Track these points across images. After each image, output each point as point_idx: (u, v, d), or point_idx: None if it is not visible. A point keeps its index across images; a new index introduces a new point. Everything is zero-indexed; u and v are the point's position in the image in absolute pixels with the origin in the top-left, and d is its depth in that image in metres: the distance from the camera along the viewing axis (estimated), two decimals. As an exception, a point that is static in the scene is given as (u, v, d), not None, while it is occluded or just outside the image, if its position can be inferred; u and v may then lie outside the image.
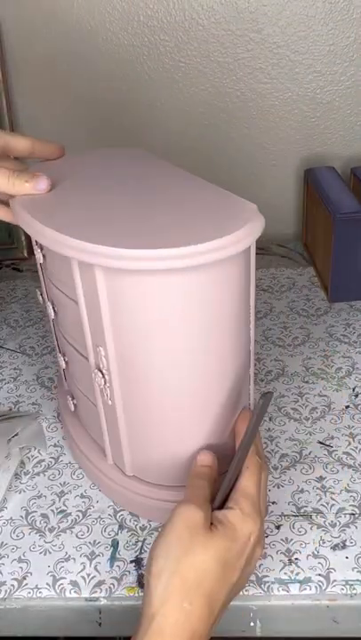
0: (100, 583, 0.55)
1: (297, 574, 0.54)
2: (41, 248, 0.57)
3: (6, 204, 0.58)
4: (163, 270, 0.44)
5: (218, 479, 0.51)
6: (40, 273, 0.61)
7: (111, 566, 0.56)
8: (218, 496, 0.49)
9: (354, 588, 0.53)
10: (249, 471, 0.49)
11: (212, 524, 0.46)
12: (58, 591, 0.54)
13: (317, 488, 0.62)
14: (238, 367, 0.53)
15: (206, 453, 0.52)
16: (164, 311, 0.47)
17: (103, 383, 0.53)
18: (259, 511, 0.48)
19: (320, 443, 0.67)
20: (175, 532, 0.45)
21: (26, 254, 1.09)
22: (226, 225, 0.45)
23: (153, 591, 0.43)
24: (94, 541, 0.58)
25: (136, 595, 0.53)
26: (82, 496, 0.63)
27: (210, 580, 0.43)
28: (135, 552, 0.57)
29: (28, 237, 0.97)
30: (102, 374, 0.53)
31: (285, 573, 0.54)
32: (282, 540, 0.57)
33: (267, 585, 0.53)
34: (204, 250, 0.44)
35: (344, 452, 0.66)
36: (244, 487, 0.48)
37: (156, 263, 0.44)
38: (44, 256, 0.56)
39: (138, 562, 0.56)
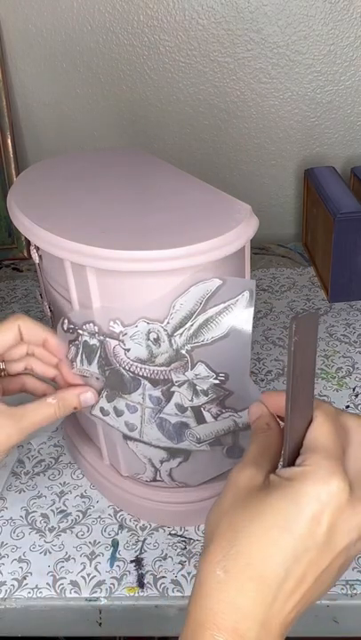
0: (100, 583, 0.55)
1: (297, 574, 0.54)
2: (37, 248, 0.57)
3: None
4: (155, 272, 0.44)
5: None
6: (38, 273, 0.61)
7: (111, 566, 0.56)
8: (284, 451, 0.39)
9: (354, 588, 0.53)
10: (317, 420, 0.38)
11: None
12: (58, 591, 0.54)
13: (317, 488, 0.62)
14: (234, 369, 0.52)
15: (254, 406, 0.43)
16: (157, 312, 0.47)
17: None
18: (336, 467, 0.35)
19: (320, 443, 0.67)
20: (225, 496, 0.37)
21: (26, 254, 1.09)
22: (219, 226, 0.45)
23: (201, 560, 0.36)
24: (94, 541, 0.58)
25: (136, 594, 0.53)
26: (82, 496, 0.63)
27: (257, 548, 0.34)
28: (135, 552, 0.57)
29: (28, 237, 0.97)
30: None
31: (286, 573, 0.54)
32: (282, 539, 0.57)
33: (267, 585, 0.53)
34: (197, 251, 0.44)
35: (344, 452, 0.66)
36: (311, 439, 0.37)
37: (147, 265, 0.44)
38: (40, 256, 0.56)
39: (138, 562, 0.56)
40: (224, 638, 0.32)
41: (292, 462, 0.38)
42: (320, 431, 0.38)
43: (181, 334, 0.47)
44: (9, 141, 1.03)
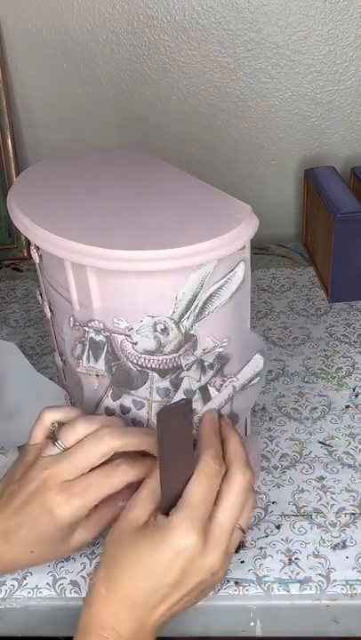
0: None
1: (297, 574, 0.54)
2: (37, 248, 0.57)
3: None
4: (155, 271, 0.44)
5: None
6: (38, 273, 0.61)
7: (111, 566, 0.56)
8: (163, 499, 0.47)
9: (354, 588, 0.53)
10: (194, 479, 0.46)
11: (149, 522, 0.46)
12: (58, 591, 0.54)
13: (318, 488, 0.62)
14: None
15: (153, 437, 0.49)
16: (160, 308, 0.47)
17: (97, 384, 0.53)
18: (196, 525, 0.44)
19: (320, 442, 0.67)
20: (117, 528, 0.47)
21: (26, 254, 1.09)
22: (219, 226, 0.46)
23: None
24: (94, 541, 0.58)
25: (136, 595, 0.53)
26: (82, 496, 0.63)
27: (128, 577, 0.44)
28: (135, 552, 0.57)
29: (28, 237, 0.97)
30: (97, 375, 0.53)
31: (286, 573, 0.54)
32: (282, 539, 0.57)
33: (267, 585, 0.53)
34: (197, 251, 0.44)
35: (344, 452, 0.66)
36: (185, 495, 0.46)
37: (147, 264, 0.44)
38: (40, 256, 0.56)
39: (138, 562, 0.56)
40: (107, 634, 0.44)
41: (167, 509, 0.46)
42: (191, 490, 0.46)
43: (188, 317, 0.48)
44: (9, 141, 1.03)
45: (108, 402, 0.54)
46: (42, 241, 0.48)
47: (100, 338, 0.50)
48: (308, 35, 0.98)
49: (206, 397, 0.52)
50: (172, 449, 0.45)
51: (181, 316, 0.47)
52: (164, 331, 0.48)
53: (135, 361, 0.50)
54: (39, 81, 1.03)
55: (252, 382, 0.54)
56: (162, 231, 0.46)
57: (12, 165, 1.04)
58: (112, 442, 0.48)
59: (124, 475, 0.48)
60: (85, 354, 0.52)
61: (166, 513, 0.46)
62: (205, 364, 0.50)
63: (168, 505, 0.46)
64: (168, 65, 1.02)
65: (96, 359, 0.51)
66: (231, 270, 0.47)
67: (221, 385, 0.52)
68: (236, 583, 0.54)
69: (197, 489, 0.46)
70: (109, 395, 0.53)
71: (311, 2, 0.96)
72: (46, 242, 0.48)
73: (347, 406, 0.72)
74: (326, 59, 1.00)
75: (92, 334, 0.50)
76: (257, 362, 0.53)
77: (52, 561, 0.54)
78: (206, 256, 0.44)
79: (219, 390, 0.52)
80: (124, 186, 0.55)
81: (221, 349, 0.50)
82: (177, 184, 0.54)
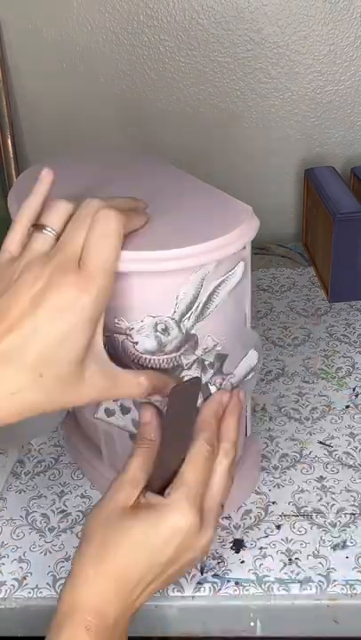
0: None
1: (297, 574, 0.54)
2: None
3: None
4: (157, 272, 0.44)
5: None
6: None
7: (111, 566, 0.56)
8: (155, 477, 0.47)
9: (354, 588, 0.53)
10: (190, 459, 0.47)
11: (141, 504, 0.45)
12: (58, 591, 0.54)
13: (318, 488, 0.62)
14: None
15: (148, 409, 0.49)
16: (161, 308, 0.47)
17: None
18: (194, 505, 0.45)
19: (320, 443, 0.67)
20: (103, 508, 0.45)
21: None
22: (220, 227, 0.46)
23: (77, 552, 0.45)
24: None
25: (136, 595, 0.53)
26: (82, 496, 0.63)
27: (121, 559, 0.43)
28: (135, 552, 0.57)
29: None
30: None
31: (286, 573, 0.54)
32: (282, 539, 0.57)
33: (267, 585, 0.53)
34: (198, 251, 0.44)
35: (344, 452, 0.66)
36: (181, 475, 0.46)
37: (148, 265, 0.44)
38: None
39: (138, 562, 0.56)
40: (91, 618, 0.41)
41: (162, 488, 0.46)
42: (188, 470, 0.46)
43: (189, 317, 0.48)
44: (9, 141, 1.03)
45: (108, 403, 0.54)
46: None
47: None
48: (308, 35, 0.98)
49: (207, 396, 0.53)
50: (177, 427, 0.46)
51: (182, 316, 0.47)
52: (165, 331, 0.48)
53: (136, 361, 0.50)
54: (39, 81, 1.03)
55: (248, 377, 0.54)
56: (163, 232, 0.46)
57: (12, 165, 1.04)
58: (121, 218, 0.41)
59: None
60: None
61: (157, 492, 0.46)
62: (206, 362, 0.50)
63: (160, 483, 0.46)
64: (168, 65, 1.01)
65: None
66: (231, 270, 0.48)
67: (221, 383, 0.52)
68: (237, 583, 0.54)
69: (194, 469, 0.46)
70: None
71: (311, 2, 0.96)
72: None
73: (347, 406, 0.72)
74: (326, 59, 1.00)
75: None
76: (252, 357, 0.53)
77: (57, 407, 0.42)
78: (207, 257, 0.44)
79: (219, 388, 0.53)
80: (125, 185, 0.55)
81: (220, 348, 0.50)
82: (178, 184, 0.55)
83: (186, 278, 0.46)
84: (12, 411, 0.40)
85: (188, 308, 0.47)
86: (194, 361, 0.50)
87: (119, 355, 0.50)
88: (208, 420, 0.49)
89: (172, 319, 0.47)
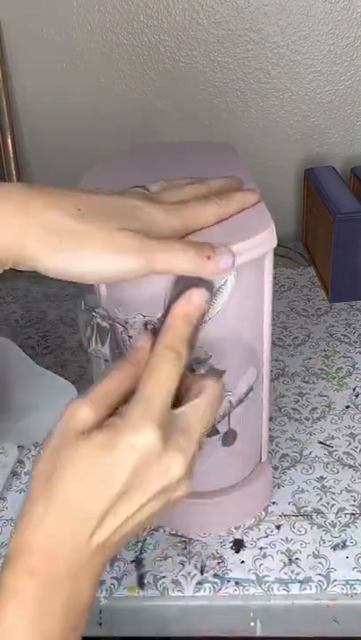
0: (100, 583, 0.54)
1: (297, 574, 0.54)
2: None
3: None
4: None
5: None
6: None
7: (111, 566, 0.56)
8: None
9: (354, 588, 0.53)
10: (149, 367, 0.39)
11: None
12: (58, 591, 0.54)
13: (318, 488, 0.62)
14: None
15: (146, 334, 0.43)
16: (151, 308, 0.47)
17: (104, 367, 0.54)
18: (152, 419, 0.37)
19: (320, 443, 0.67)
20: (55, 432, 0.39)
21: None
22: (226, 237, 0.45)
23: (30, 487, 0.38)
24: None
25: (136, 595, 0.53)
26: (82, 496, 0.63)
27: (73, 490, 0.37)
28: (135, 552, 0.57)
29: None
30: (105, 360, 0.53)
31: (286, 573, 0.54)
32: (282, 539, 0.57)
33: (267, 585, 0.53)
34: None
35: (344, 452, 0.66)
36: (140, 386, 0.39)
37: None
38: None
39: (138, 562, 0.56)
40: (37, 560, 0.35)
41: None
42: (145, 379, 0.39)
43: None
44: (9, 141, 1.03)
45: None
46: None
47: (105, 324, 0.51)
48: (308, 35, 0.98)
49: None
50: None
51: None
52: (155, 331, 0.47)
53: None
54: (39, 81, 1.03)
55: (248, 396, 0.53)
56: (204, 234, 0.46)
57: (12, 165, 1.04)
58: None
59: None
60: (94, 337, 0.52)
61: None
62: (197, 374, 0.50)
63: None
64: (168, 65, 1.02)
65: (102, 343, 0.52)
66: (222, 281, 0.46)
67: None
68: (237, 583, 0.54)
69: (155, 380, 0.39)
70: None
71: (311, 2, 0.96)
72: None
73: (347, 406, 0.72)
74: (326, 59, 1.00)
75: (99, 320, 0.51)
76: (251, 375, 0.53)
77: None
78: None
79: None
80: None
81: (216, 361, 0.49)
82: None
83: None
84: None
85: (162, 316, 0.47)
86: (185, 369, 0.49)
87: (119, 345, 0.50)
88: (176, 320, 0.41)
89: (161, 321, 0.47)
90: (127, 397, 0.39)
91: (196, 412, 0.40)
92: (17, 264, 0.43)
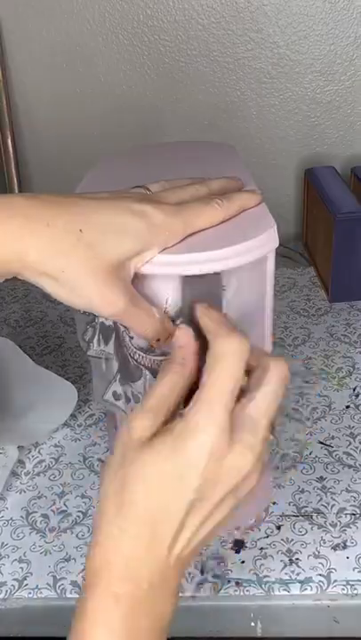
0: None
1: (298, 574, 0.54)
2: None
3: None
4: (145, 274, 0.44)
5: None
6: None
7: (112, 566, 0.56)
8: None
9: (355, 588, 0.53)
10: (210, 363, 0.37)
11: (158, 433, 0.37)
12: (58, 591, 0.54)
13: (318, 488, 0.62)
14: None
15: (184, 330, 0.41)
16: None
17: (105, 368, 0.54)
18: (217, 417, 0.36)
19: (321, 443, 0.67)
20: (116, 448, 0.38)
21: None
22: (222, 239, 0.45)
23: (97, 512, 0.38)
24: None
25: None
26: (82, 496, 0.63)
27: (146, 504, 0.36)
28: (136, 552, 0.57)
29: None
30: (107, 359, 0.53)
31: (286, 573, 0.54)
32: (283, 540, 0.57)
33: (267, 585, 0.53)
34: (181, 261, 0.43)
35: (345, 452, 0.66)
36: (201, 387, 0.37)
37: (172, 268, 0.43)
38: None
39: (138, 562, 0.56)
40: (120, 585, 0.35)
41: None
42: (207, 376, 0.37)
43: (177, 325, 0.47)
44: (9, 141, 1.03)
45: (116, 386, 0.54)
46: None
47: (109, 323, 0.51)
48: (308, 35, 0.98)
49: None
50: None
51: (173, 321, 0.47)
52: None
53: (132, 355, 0.50)
54: (39, 81, 1.03)
55: None
56: (197, 236, 0.46)
57: (12, 165, 1.04)
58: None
59: None
60: (96, 337, 0.52)
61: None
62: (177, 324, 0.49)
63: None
64: (168, 65, 1.01)
65: (106, 342, 0.52)
66: (225, 284, 0.46)
67: None
68: (237, 583, 0.54)
69: (219, 375, 0.37)
70: (117, 379, 0.53)
71: (311, 2, 0.96)
72: None
73: (347, 406, 0.72)
74: (326, 59, 1.00)
75: (102, 319, 0.51)
76: None
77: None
78: (187, 268, 0.43)
79: None
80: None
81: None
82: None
83: (174, 286, 0.45)
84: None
85: (178, 315, 0.46)
86: None
87: (121, 344, 0.50)
88: (215, 319, 0.40)
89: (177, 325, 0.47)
90: (182, 398, 0.38)
91: (261, 405, 0.37)
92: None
